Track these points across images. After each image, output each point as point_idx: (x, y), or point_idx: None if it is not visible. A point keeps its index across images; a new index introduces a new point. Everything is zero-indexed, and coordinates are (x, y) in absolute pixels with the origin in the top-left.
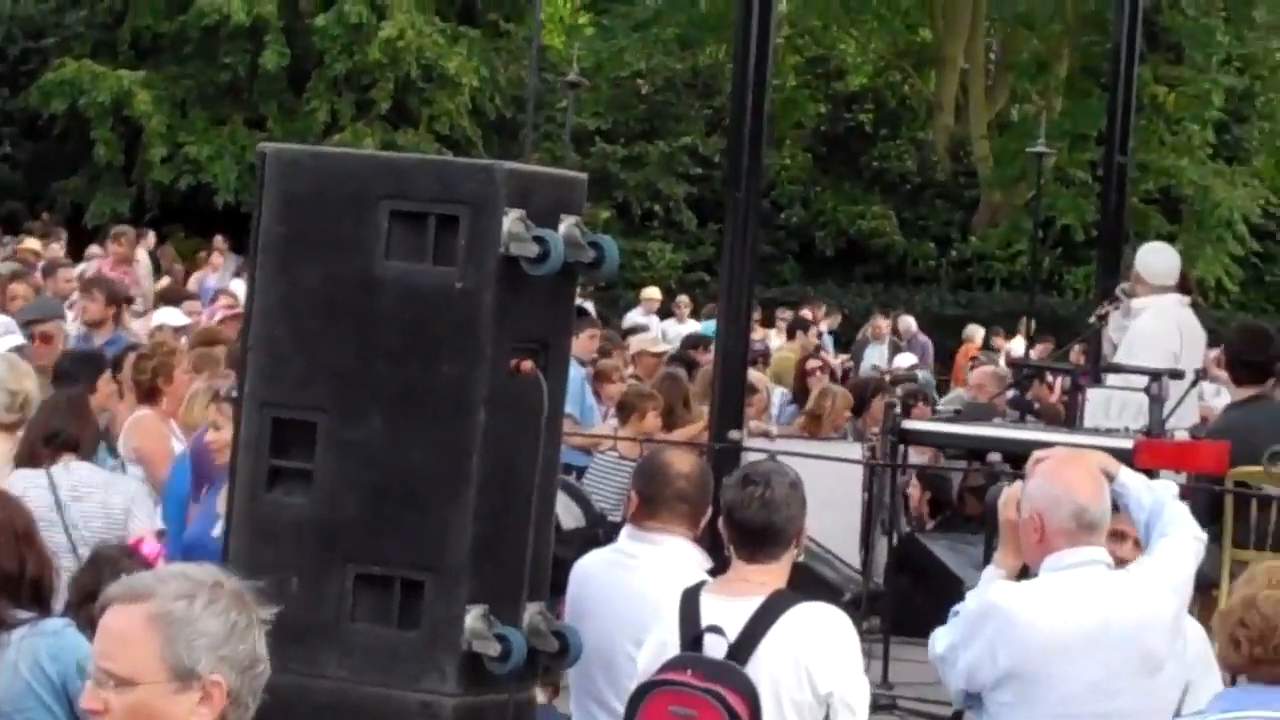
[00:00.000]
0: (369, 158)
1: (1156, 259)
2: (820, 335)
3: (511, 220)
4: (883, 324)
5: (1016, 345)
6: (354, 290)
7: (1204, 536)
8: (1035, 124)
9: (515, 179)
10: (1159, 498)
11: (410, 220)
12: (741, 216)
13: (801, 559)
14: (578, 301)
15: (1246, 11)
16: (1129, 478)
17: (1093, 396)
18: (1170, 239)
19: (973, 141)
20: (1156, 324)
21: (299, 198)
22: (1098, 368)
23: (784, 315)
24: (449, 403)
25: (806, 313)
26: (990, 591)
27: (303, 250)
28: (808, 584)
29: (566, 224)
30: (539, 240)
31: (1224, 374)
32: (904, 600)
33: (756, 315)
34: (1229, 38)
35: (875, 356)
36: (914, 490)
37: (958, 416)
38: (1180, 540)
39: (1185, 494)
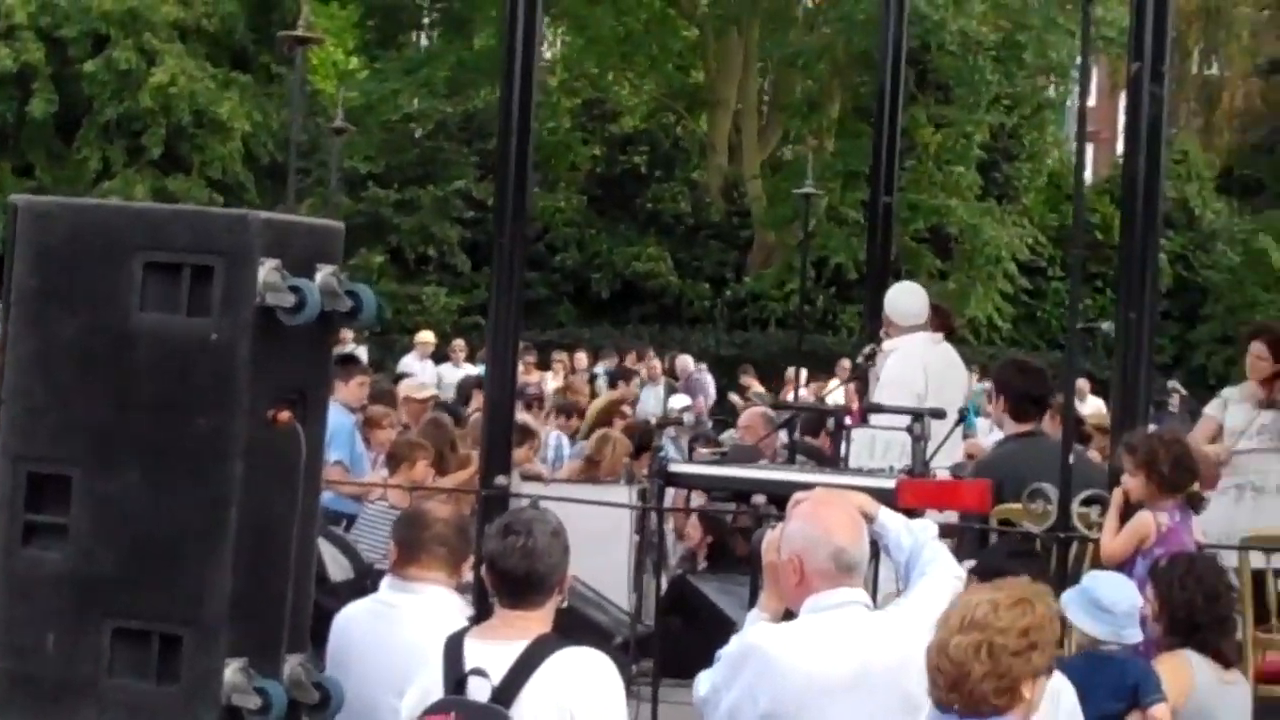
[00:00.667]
0: (123, 208)
1: (904, 299)
2: (594, 378)
3: (267, 270)
4: (658, 365)
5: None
6: (109, 342)
7: (963, 574)
8: (807, 164)
9: (271, 229)
10: (918, 539)
11: (165, 271)
12: (507, 261)
13: (569, 604)
14: (348, 348)
15: (1015, 52)
16: (888, 518)
17: (857, 437)
18: (942, 277)
19: (746, 182)
20: (900, 365)
21: (52, 249)
22: (864, 407)
23: (559, 358)
24: (206, 454)
25: (631, 361)
26: (750, 633)
27: (56, 303)
28: (579, 628)
29: (323, 273)
30: (295, 290)
31: (994, 410)
32: (675, 642)
33: (532, 358)
34: (998, 77)
35: (651, 398)
36: (694, 531)
37: (724, 459)
38: (939, 580)
39: (949, 532)
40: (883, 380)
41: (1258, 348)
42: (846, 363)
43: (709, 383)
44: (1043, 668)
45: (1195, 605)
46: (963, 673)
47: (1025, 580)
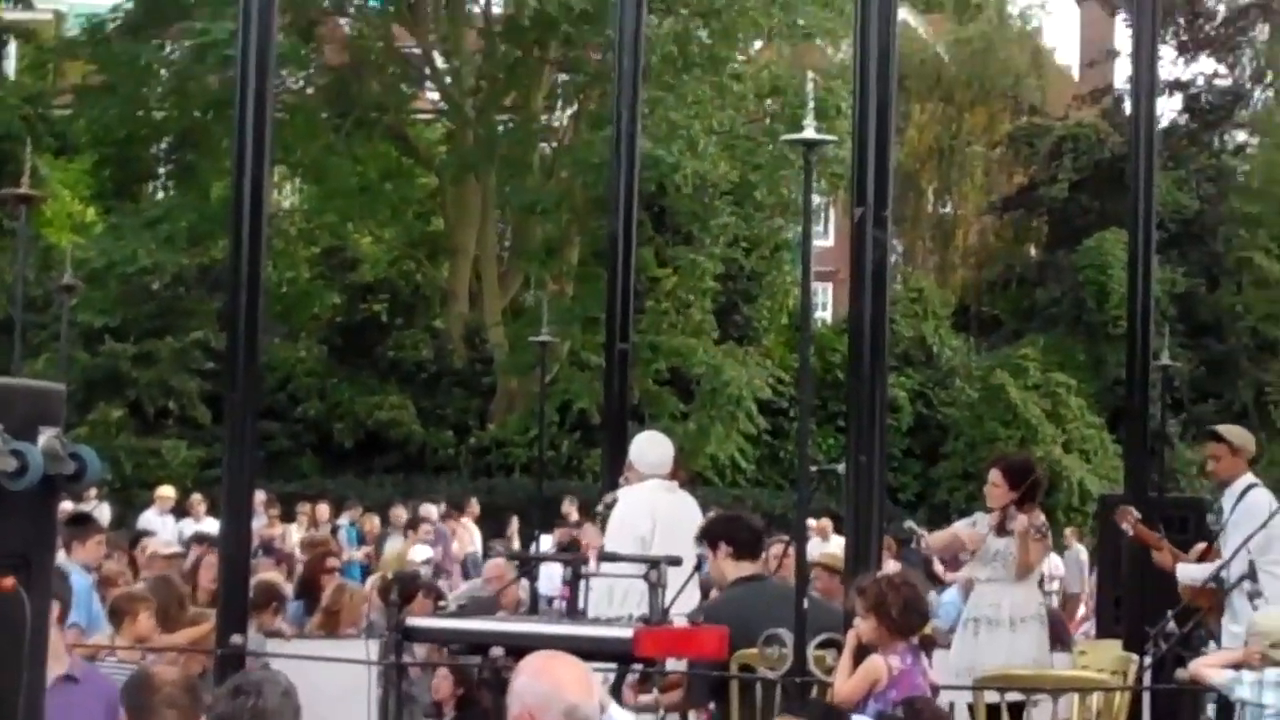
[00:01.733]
0: None
1: (648, 448)
2: (336, 529)
3: None
4: (403, 514)
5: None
6: None
7: None
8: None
9: None
10: None
11: None
12: (240, 416)
13: None
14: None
15: (750, 193)
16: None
17: (596, 585)
18: (684, 418)
19: (487, 329)
20: (628, 511)
21: None
22: (600, 555)
23: (304, 509)
24: None
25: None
26: None
27: None
28: None
29: (46, 436)
30: (16, 454)
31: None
32: None
33: (275, 511)
34: (734, 218)
35: (396, 548)
36: (444, 684)
37: (462, 611)
38: None
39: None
40: (610, 527)
41: (995, 475)
42: (573, 510)
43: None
44: None
45: None
46: None
47: None
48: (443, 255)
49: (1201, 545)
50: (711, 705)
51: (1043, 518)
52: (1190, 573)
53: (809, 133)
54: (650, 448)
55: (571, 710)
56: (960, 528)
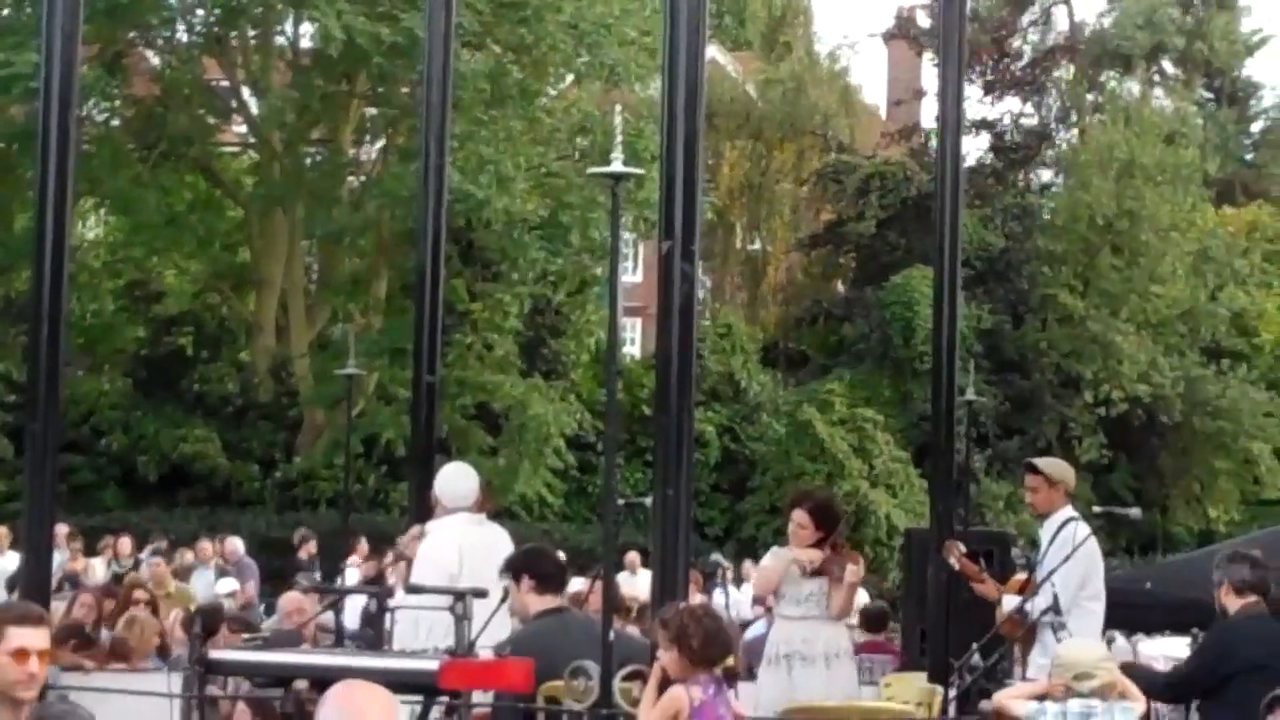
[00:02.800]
0: None
1: (454, 481)
2: (138, 563)
3: None
4: (208, 547)
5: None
6: None
7: None
8: (349, 343)
9: None
10: None
11: None
12: (41, 448)
13: None
14: None
15: (560, 230)
16: None
17: (401, 618)
18: (492, 454)
19: (294, 361)
20: (436, 546)
21: None
22: (408, 588)
23: (107, 543)
24: None
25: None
26: None
27: None
28: None
29: None
30: None
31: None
32: None
33: (79, 544)
34: (543, 254)
35: (202, 580)
36: (243, 717)
37: (265, 644)
38: None
39: (494, 713)
40: (417, 560)
41: (799, 516)
42: (364, 544)
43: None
44: None
45: None
46: None
47: None
48: (249, 287)
49: (1022, 576)
50: None
51: (861, 564)
52: (1012, 604)
53: (616, 166)
54: (456, 480)
55: None
56: (768, 564)
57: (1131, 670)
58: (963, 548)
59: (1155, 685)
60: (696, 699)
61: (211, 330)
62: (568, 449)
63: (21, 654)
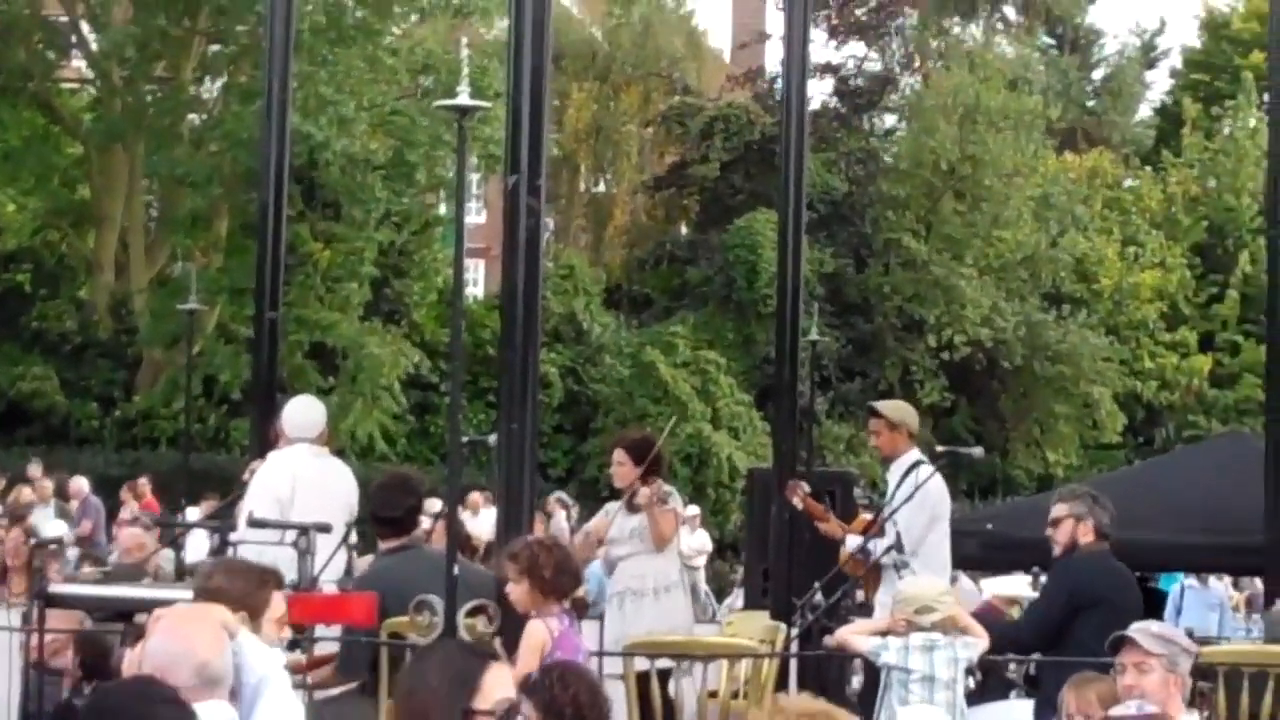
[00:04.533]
0: None
1: (298, 412)
2: None
3: None
4: (47, 486)
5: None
6: None
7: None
8: (191, 280)
9: None
10: (268, 668)
11: None
12: None
13: None
14: None
15: (405, 170)
16: (246, 640)
17: (243, 552)
18: (326, 394)
19: (134, 299)
20: (268, 474)
21: None
22: (249, 521)
23: None
24: None
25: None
26: None
27: None
28: None
29: None
30: None
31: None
32: None
33: None
34: (387, 194)
35: (42, 518)
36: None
37: (106, 578)
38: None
39: (341, 648)
40: (250, 487)
41: (618, 455)
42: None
43: (99, 505)
44: None
45: (580, 701)
46: None
47: None
48: (89, 224)
49: (867, 517)
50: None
51: (667, 488)
52: (855, 544)
53: (463, 99)
54: (302, 411)
55: (202, 667)
56: (593, 524)
57: (987, 625)
58: (806, 488)
59: (1019, 637)
60: (555, 629)
61: (50, 267)
62: (410, 390)
63: None
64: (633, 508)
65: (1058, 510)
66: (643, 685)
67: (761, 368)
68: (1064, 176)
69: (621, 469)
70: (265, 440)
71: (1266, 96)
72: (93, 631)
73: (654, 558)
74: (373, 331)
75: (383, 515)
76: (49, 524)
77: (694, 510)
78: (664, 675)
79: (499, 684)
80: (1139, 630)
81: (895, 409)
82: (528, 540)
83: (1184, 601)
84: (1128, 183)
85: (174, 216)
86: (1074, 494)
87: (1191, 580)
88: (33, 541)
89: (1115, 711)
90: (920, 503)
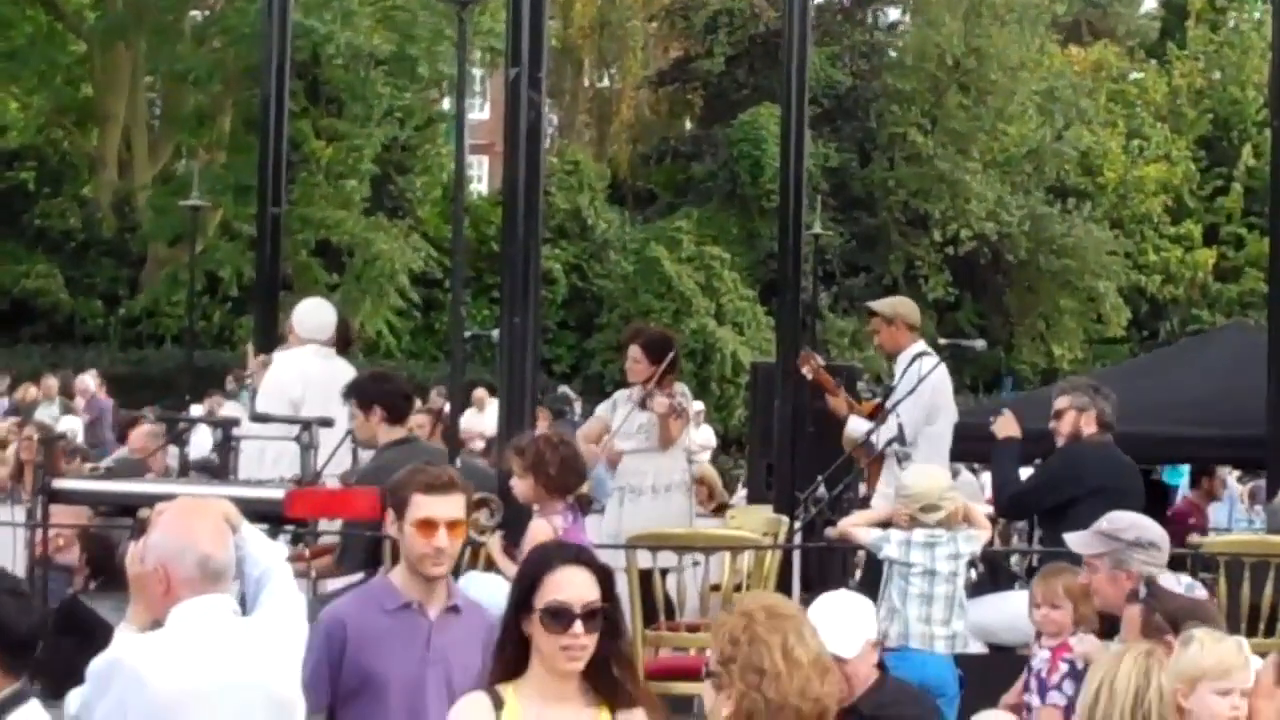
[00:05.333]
0: None
1: (310, 313)
2: None
3: None
4: (52, 384)
5: None
6: None
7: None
8: (194, 177)
9: None
10: (271, 560)
11: None
12: None
13: None
14: None
15: (407, 65)
16: (249, 533)
17: (246, 448)
18: (332, 291)
19: (137, 196)
20: (280, 374)
21: None
22: (253, 416)
23: None
24: None
25: None
26: (116, 647)
27: None
28: None
29: None
30: None
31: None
32: (67, 664)
33: None
34: (389, 90)
35: (47, 415)
36: (75, 549)
37: (110, 473)
38: (288, 594)
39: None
40: (261, 388)
41: (635, 351)
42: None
43: (108, 404)
44: None
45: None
46: None
47: None
48: (92, 122)
49: (875, 401)
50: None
51: (683, 390)
52: (859, 426)
53: None
54: (314, 312)
55: (204, 561)
56: (600, 413)
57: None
58: (819, 359)
59: (999, 496)
60: (559, 527)
61: (53, 165)
62: (413, 286)
63: (428, 525)
64: (646, 406)
65: (1060, 402)
66: (644, 581)
67: (765, 263)
68: (1069, 70)
69: (637, 366)
70: (269, 337)
71: None
72: (98, 527)
73: (657, 456)
74: (378, 227)
75: (393, 400)
76: (61, 421)
77: (698, 406)
78: (665, 574)
79: None
80: (1074, 538)
81: (889, 304)
82: (534, 436)
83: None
84: (1133, 76)
85: (177, 113)
86: (1076, 385)
87: None
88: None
89: (1164, 581)
90: (922, 393)
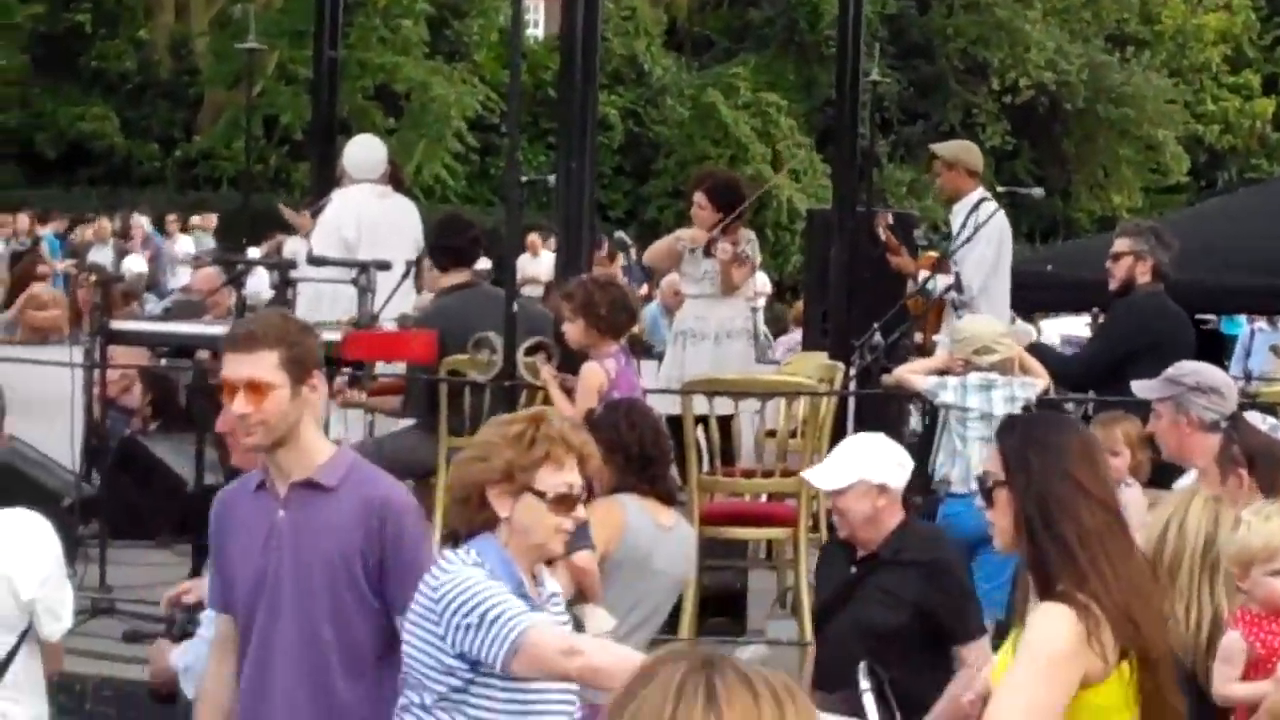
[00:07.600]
0: None
1: (359, 153)
2: (38, 240)
3: None
4: (106, 226)
5: None
6: None
7: None
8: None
9: None
10: None
11: None
12: None
13: (12, 465)
14: None
15: None
16: None
17: (304, 290)
18: (390, 135)
19: (194, 39)
20: (334, 213)
21: None
22: (310, 258)
23: (3, 219)
24: None
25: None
26: None
27: None
28: (23, 490)
29: None
30: None
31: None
32: (124, 503)
33: None
34: None
35: (101, 257)
36: (136, 390)
37: (167, 315)
38: None
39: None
40: (316, 228)
41: (699, 197)
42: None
43: (163, 243)
44: None
45: (646, 441)
46: None
47: None
48: None
49: (932, 254)
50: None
51: (749, 237)
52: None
53: None
54: (360, 151)
55: None
56: (672, 241)
57: (1041, 353)
58: (891, 219)
59: (1068, 367)
60: (611, 370)
61: (110, 7)
62: (469, 131)
63: (227, 388)
64: (711, 252)
65: (1120, 244)
66: (701, 425)
67: (823, 110)
68: None
69: (702, 213)
70: (327, 181)
71: None
72: (157, 368)
73: (719, 302)
74: (436, 71)
75: (445, 244)
76: (126, 261)
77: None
78: (722, 421)
79: None
80: (1139, 385)
81: (951, 148)
82: (583, 279)
83: (1254, 344)
84: None
85: None
86: (1139, 229)
87: (1261, 322)
88: (94, 279)
89: (1250, 416)
90: (981, 241)
